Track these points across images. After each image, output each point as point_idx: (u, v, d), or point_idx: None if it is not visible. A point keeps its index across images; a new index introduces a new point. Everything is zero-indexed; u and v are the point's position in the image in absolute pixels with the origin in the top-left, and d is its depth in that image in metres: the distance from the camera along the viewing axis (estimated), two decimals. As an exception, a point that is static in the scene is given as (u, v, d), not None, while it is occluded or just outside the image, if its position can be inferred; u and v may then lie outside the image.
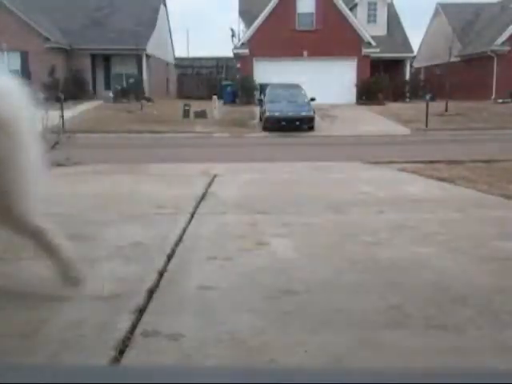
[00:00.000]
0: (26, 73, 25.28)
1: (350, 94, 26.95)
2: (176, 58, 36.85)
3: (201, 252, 3.03)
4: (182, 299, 2.26)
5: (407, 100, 28.34)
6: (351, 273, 2.63)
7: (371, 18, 30.95)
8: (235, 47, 28.96)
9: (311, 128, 18.82)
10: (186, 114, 22.35)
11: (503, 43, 28.01)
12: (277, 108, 18.75)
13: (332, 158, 10.06)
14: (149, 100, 26.23)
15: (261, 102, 21.33)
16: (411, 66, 32.68)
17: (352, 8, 29.93)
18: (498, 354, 1.77)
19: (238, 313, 2.10)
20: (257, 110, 22.78)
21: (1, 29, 25.23)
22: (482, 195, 4.94)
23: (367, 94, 26.84)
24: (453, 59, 27.70)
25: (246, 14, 29.55)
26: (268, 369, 1.45)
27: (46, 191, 2.45)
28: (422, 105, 20.42)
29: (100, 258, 2.89)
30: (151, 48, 29.34)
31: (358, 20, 28.65)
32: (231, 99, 27.03)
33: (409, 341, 1.86)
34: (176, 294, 2.32)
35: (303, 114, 18.72)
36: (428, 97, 19.37)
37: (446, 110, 22.07)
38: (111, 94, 26.84)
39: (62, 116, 14.88)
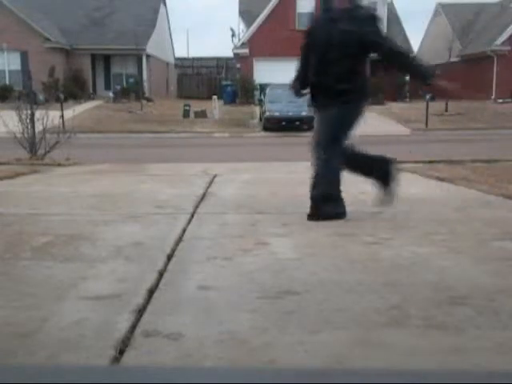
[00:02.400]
0: (26, 73, 25.28)
1: (350, 94, 26.89)
2: (176, 58, 36.83)
3: (201, 252, 3.03)
4: (182, 299, 2.26)
5: (407, 100, 28.33)
6: (351, 273, 2.63)
7: (371, 17, 30.89)
8: (235, 47, 28.97)
9: (311, 128, 18.81)
10: (186, 113, 22.36)
11: (503, 43, 28.00)
12: (277, 108, 18.77)
13: (332, 157, 10.04)
14: (149, 100, 26.25)
15: (261, 102, 21.32)
16: (411, 66, 32.60)
17: (352, 8, 29.88)
18: (497, 354, 1.77)
19: (238, 313, 2.10)
20: (257, 109, 22.80)
21: (1, 29, 25.23)
22: (482, 195, 4.94)
23: (367, 93, 26.75)
24: (453, 59, 27.72)
25: (246, 14, 29.55)
26: (268, 369, 1.46)
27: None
28: (422, 105, 20.44)
29: (100, 258, 2.89)
30: (151, 48, 29.33)
31: (358, 20, 28.59)
32: (231, 99, 27.02)
33: (409, 341, 1.86)
34: (176, 294, 2.32)
35: (303, 114, 18.73)
36: (428, 97, 19.38)
37: (446, 110, 22.09)
38: (111, 94, 26.85)
39: (62, 116, 14.89)
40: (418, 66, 3.94)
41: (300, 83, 4.08)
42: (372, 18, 3.84)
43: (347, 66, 3.77)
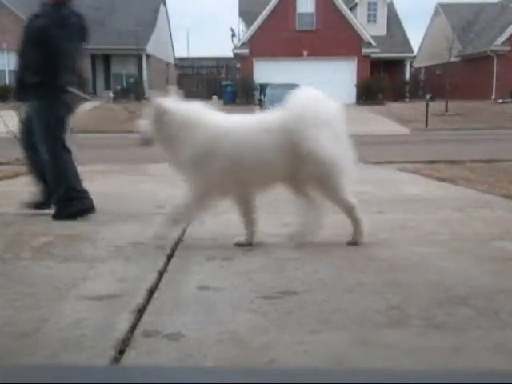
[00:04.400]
0: (25, 73, 25.16)
1: (350, 94, 26.95)
2: (176, 58, 36.81)
3: (201, 252, 3.03)
4: (182, 299, 2.26)
5: (407, 100, 28.34)
6: (351, 273, 2.63)
7: (371, 17, 30.96)
8: (235, 47, 28.96)
9: (311, 128, 18.75)
10: (186, 113, 22.25)
11: (503, 43, 28.01)
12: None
13: (332, 157, 10.03)
14: (149, 100, 26.18)
15: (261, 102, 21.31)
16: (411, 66, 32.69)
17: (352, 8, 29.95)
18: (497, 354, 1.77)
19: (238, 313, 2.10)
20: (257, 110, 22.76)
21: (1, 29, 25.22)
22: (482, 195, 4.94)
23: (367, 94, 26.84)
24: (453, 59, 27.74)
25: (246, 14, 29.54)
26: (268, 369, 1.46)
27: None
28: (421, 105, 20.44)
29: (100, 258, 2.89)
30: (151, 48, 29.31)
31: (358, 20, 28.64)
32: (231, 99, 27.02)
33: (409, 341, 1.86)
34: (176, 294, 2.32)
35: (303, 114, 18.64)
36: (428, 97, 19.41)
37: (446, 110, 22.08)
38: (111, 94, 26.83)
39: (62, 116, 14.84)
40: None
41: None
42: (55, 17, 3.91)
43: (37, 60, 3.90)
